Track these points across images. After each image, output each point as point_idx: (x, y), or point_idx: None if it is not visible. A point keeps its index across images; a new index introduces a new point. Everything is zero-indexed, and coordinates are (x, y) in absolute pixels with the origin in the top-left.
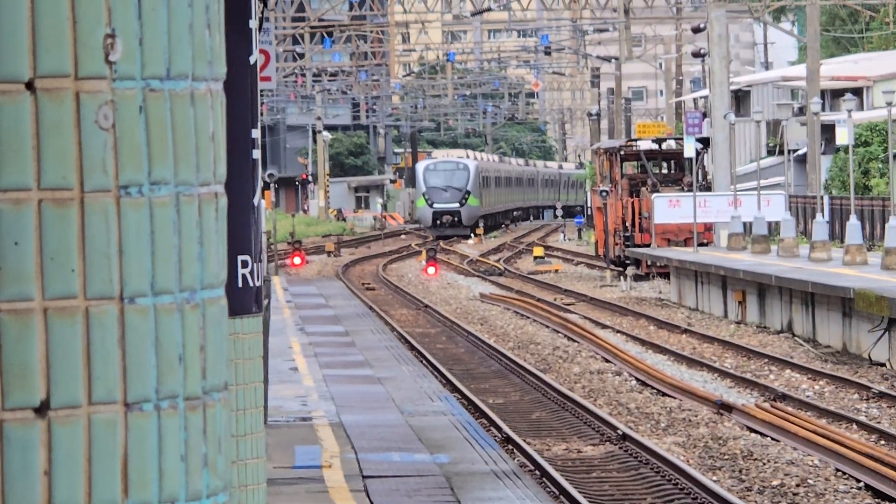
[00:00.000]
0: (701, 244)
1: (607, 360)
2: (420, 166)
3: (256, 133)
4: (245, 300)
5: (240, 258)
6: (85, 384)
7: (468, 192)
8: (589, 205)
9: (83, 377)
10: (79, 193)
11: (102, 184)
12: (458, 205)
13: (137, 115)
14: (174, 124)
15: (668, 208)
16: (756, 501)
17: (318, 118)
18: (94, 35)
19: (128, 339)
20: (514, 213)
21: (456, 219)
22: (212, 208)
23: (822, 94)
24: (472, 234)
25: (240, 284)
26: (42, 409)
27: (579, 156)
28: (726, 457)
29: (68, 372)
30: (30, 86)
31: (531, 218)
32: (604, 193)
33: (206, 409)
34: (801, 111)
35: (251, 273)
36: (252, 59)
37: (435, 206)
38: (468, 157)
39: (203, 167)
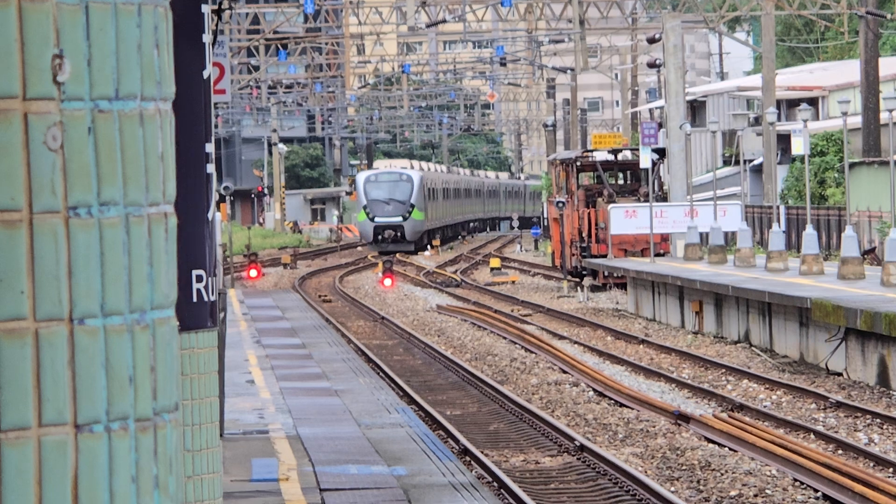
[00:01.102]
0: (657, 255)
1: (565, 371)
2: (361, 178)
3: (210, 147)
4: (200, 315)
5: (194, 272)
6: (35, 406)
7: (412, 206)
8: (545, 216)
9: (33, 399)
10: (27, 214)
11: (51, 205)
12: (401, 219)
13: (86, 135)
14: (123, 145)
15: (625, 219)
16: None
17: (274, 130)
18: (42, 56)
19: (78, 361)
20: (469, 224)
21: (399, 234)
22: (161, 228)
23: (778, 104)
24: (425, 248)
25: (194, 299)
26: None
27: (510, 165)
28: (684, 467)
29: (18, 393)
30: None
31: (488, 230)
32: (560, 204)
33: (157, 430)
34: (757, 121)
35: (206, 287)
36: (205, 74)
37: (377, 220)
38: (412, 167)
39: (152, 187)
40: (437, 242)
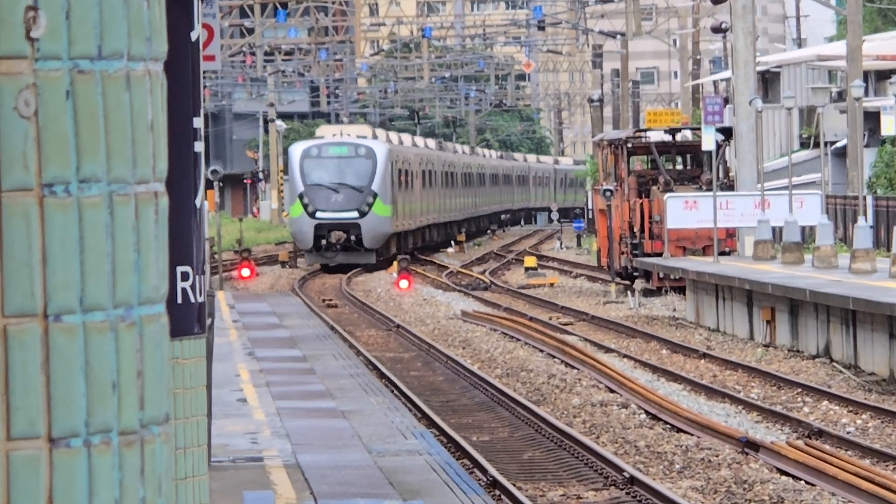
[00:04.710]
0: (722, 253)
1: (612, 390)
2: (295, 151)
3: (199, 122)
4: (186, 319)
5: (179, 270)
6: (3, 416)
7: (374, 194)
8: (590, 207)
9: (1, 408)
10: None
11: (23, 181)
12: (356, 214)
13: (64, 100)
14: (107, 111)
15: (684, 211)
16: None
17: (271, 105)
18: (13, 8)
19: (53, 364)
20: (479, 221)
21: (353, 237)
22: (150, 210)
23: (865, 76)
24: (392, 260)
25: (179, 300)
26: None
27: (549, 146)
28: None
29: None
30: None
31: (522, 222)
32: (607, 193)
33: (144, 446)
34: (841, 96)
35: (192, 287)
36: (194, 35)
37: (318, 215)
38: (374, 136)
39: (140, 162)
40: (461, 238)
